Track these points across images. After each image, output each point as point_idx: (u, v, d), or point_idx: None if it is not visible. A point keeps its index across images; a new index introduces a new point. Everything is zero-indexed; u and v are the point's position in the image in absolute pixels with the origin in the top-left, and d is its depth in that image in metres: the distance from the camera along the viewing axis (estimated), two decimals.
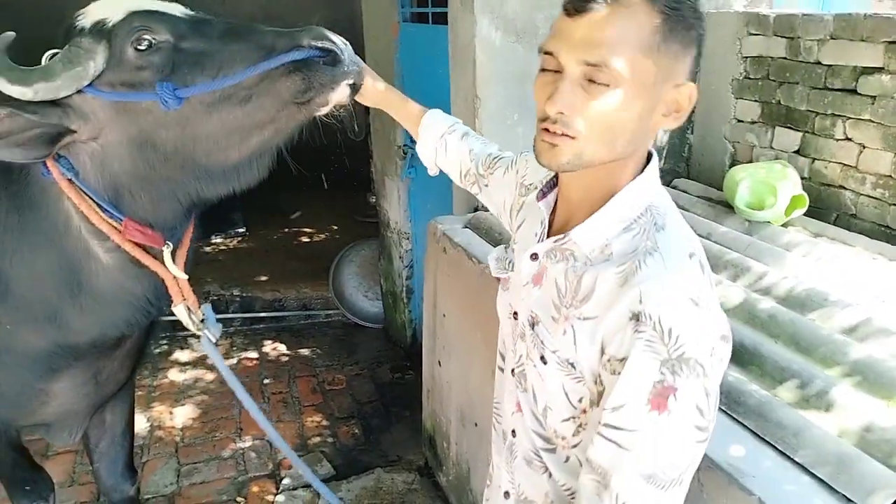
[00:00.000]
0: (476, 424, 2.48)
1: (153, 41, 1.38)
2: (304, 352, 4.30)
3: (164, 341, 4.20)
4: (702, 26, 0.99)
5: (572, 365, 1.04)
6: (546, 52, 0.99)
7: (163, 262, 1.58)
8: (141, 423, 3.44)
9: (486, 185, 1.49)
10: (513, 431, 1.23)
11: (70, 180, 1.46)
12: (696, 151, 3.15)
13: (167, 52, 1.38)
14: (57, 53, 1.38)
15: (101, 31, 1.38)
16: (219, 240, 5.75)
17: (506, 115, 2.73)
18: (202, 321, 1.70)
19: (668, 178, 3.15)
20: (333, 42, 1.38)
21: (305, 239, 5.91)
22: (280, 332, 4.56)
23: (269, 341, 4.42)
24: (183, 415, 3.59)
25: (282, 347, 4.34)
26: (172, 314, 1.70)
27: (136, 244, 1.53)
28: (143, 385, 3.78)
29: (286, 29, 1.43)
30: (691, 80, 1.01)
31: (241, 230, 5.85)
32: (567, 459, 1.13)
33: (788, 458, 1.37)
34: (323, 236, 5.95)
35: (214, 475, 3.14)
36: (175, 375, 3.96)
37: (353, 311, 4.68)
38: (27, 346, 1.67)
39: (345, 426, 3.53)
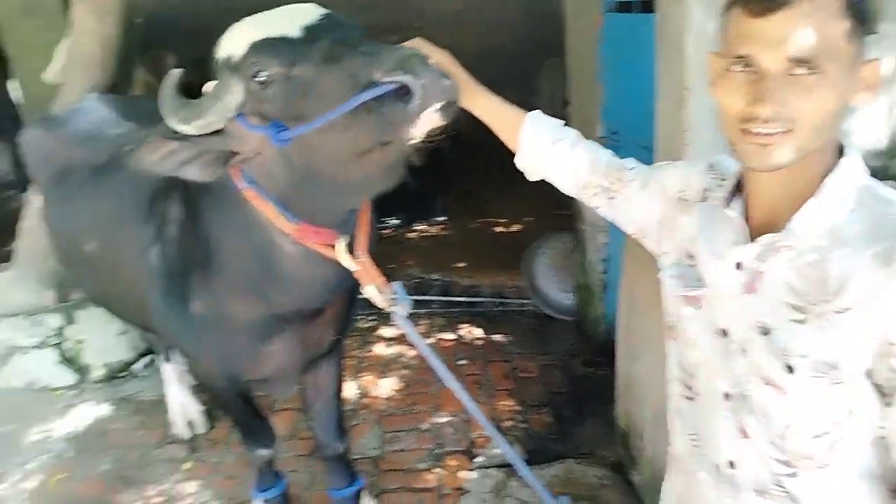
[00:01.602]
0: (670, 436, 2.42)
1: (267, 77, 1.49)
2: (498, 338, 4.44)
3: (373, 317, 4.57)
4: None
5: (830, 366, 0.98)
6: (737, 56, 0.98)
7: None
8: (351, 390, 3.79)
9: (613, 199, 1.39)
10: (730, 463, 1.16)
11: (253, 190, 1.70)
12: None
13: (279, 84, 1.49)
14: (213, 84, 1.58)
15: (231, 66, 1.53)
16: (421, 227, 6.09)
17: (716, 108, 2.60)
18: (392, 299, 1.84)
19: (881, 175, 2.81)
20: (404, 73, 1.31)
21: (501, 229, 6.07)
22: (475, 316, 4.74)
23: (465, 325, 4.62)
24: (387, 386, 3.89)
25: (477, 332, 4.51)
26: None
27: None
28: (354, 355, 4.15)
29: (379, 47, 1.40)
30: None
31: (441, 218, 6.15)
32: (817, 481, 1.06)
33: None
34: (519, 227, 6.07)
35: (414, 445, 3.37)
36: (380, 349, 4.29)
37: (547, 302, 4.73)
38: (241, 316, 1.99)
39: (536, 414, 3.59)
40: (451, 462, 3.23)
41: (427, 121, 1.38)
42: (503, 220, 6.21)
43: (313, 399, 2.57)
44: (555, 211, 6.03)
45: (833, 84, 0.94)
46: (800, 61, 0.93)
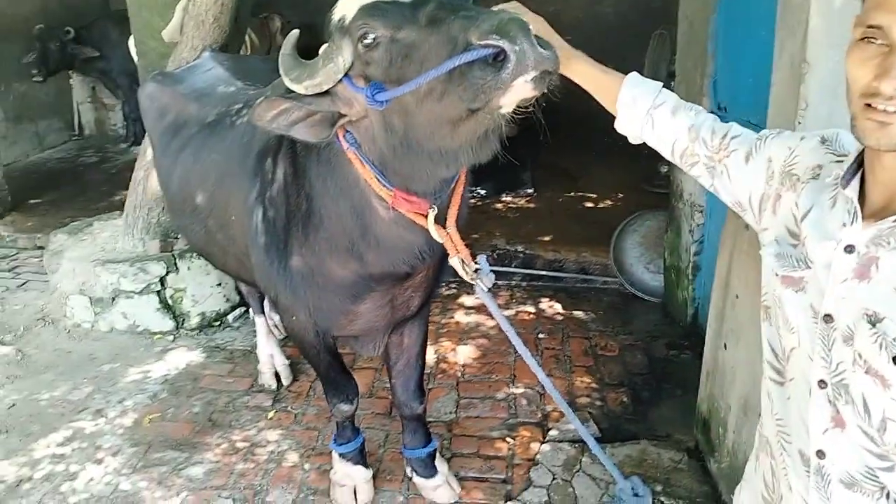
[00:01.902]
0: (760, 416, 2.32)
1: (374, 38, 1.48)
2: (579, 314, 4.38)
3: (454, 285, 4.59)
4: None
5: None
6: (870, 26, 0.94)
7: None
8: (429, 355, 3.82)
9: (714, 168, 1.33)
10: (819, 452, 1.11)
11: (353, 152, 1.72)
12: None
13: (385, 46, 1.48)
14: (324, 47, 1.59)
15: (342, 27, 1.54)
16: (508, 198, 6.04)
17: (837, 84, 2.37)
18: (476, 271, 1.84)
19: None
20: (500, 38, 1.26)
21: (590, 204, 5.94)
22: (557, 291, 4.68)
23: (546, 299, 4.57)
24: (464, 353, 3.92)
25: (558, 306, 4.46)
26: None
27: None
28: (434, 321, 4.19)
29: (482, 11, 1.36)
30: None
31: (529, 190, 6.08)
32: None
33: None
34: (607, 203, 5.92)
35: (488, 413, 3.39)
36: (460, 317, 4.32)
37: (632, 281, 4.61)
38: (335, 273, 2.05)
39: (613, 392, 3.54)
40: (524, 433, 3.24)
41: (520, 90, 1.34)
42: (592, 195, 6.07)
43: (396, 359, 2.62)
44: (648, 188, 5.86)
45: None
46: None
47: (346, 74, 1.59)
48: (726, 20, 3.25)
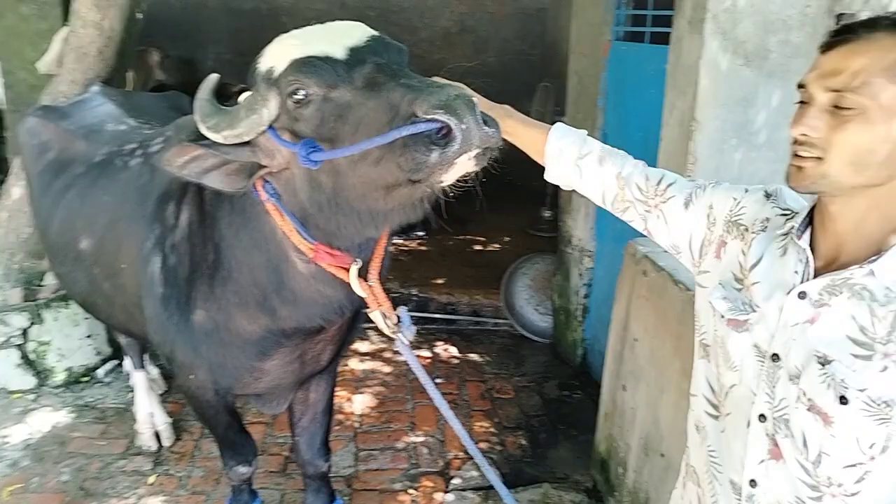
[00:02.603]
0: (662, 455, 2.41)
1: (306, 95, 1.44)
2: (474, 357, 4.39)
3: None
4: None
5: (885, 404, 1.00)
6: (800, 86, 1.06)
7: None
8: None
9: (649, 212, 1.39)
10: (751, 481, 1.18)
11: (274, 204, 1.63)
12: None
13: (317, 105, 1.44)
14: (247, 95, 1.53)
15: (270, 79, 1.49)
16: (400, 241, 6.02)
17: (723, 140, 2.63)
18: (397, 324, 1.79)
19: None
20: (448, 114, 1.24)
21: (479, 247, 6.04)
22: (451, 334, 4.68)
23: (441, 342, 4.55)
24: (361, 402, 3.80)
25: (453, 350, 4.45)
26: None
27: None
28: None
29: (424, 81, 1.35)
30: None
31: (421, 233, 6.10)
32: None
33: None
34: (496, 246, 6.05)
35: (389, 464, 3.28)
36: (355, 364, 4.19)
37: (522, 323, 4.70)
38: (242, 328, 1.92)
39: (512, 436, 3.55)
40: (427, 483, 3.16)
41: (462, 166, 1.34)
42: (481, 239, 6.19)
43: (301, 415, 2.48)
44: (533, 232, 6.06)
45: (871, 124, 0.98)
46: (838, 93, 1.00)
47: (270, 126, 1.52)
48: (616, 78, 3.46)
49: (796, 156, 1.04)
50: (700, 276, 1.32)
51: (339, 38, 1.48)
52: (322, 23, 1.56)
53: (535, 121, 1.57)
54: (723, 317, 1.21)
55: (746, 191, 1.30)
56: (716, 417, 1.25)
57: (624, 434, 2.74)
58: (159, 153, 1.58)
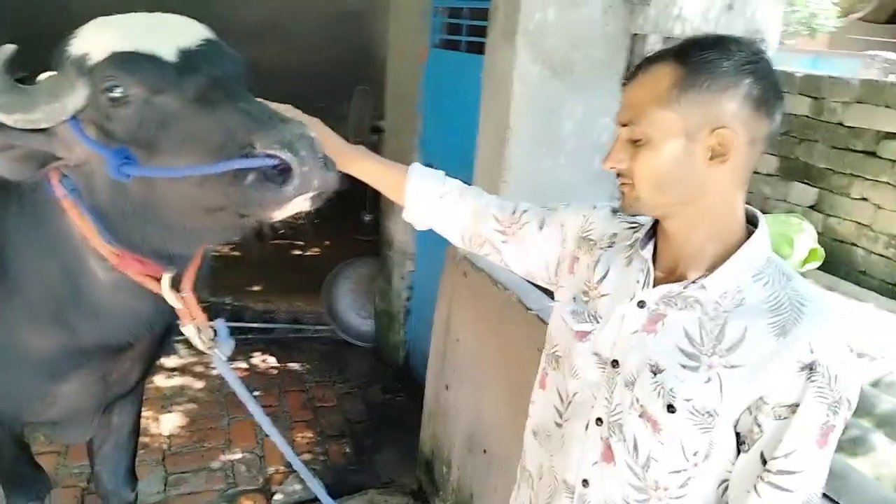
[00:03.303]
0: (485, 451, 2.47)
1: (124, 95, 1.29)
2: (294, 366, 4.24)
3: None
4: (740, 74, 1.04)
5: (709, 413, 1.06)
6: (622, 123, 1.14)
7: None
8: None
9: (506, 242, 1.43)
10: (584, 481, 1.22)
11: (73, 201, 1.43)
12: None
13: (136, 107, 1.30)
14: (50, 75, 1.35)
15: (82, 67, 1.32)
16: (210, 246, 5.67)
17: (535, 148, 2.77)
18: (213, 339, 1.65)
19: None
20: (289, 152, 1.18)
21: (299, 252, 5.87)
22: (269, 343, 4.49)
23: (259, 353, 4.35)
24: (170, 422, 3.50)
25: (271, 360, 4.27)
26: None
27: None
28: None
29: (265, 110, 1.27)
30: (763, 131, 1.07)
31: (233, 238, 5.78)
32: None
33: (833, 501, 1.40)
34: (316, 251, 5.92)
35: (203, 486, 3.06)
36: (161, 381, 3.86)
37: (345, 328, 4.64)
38: (32, 348, 1.66)
39: (336, 444, 3.48)
40: (246, 502, 2.99)
41: (296, 206, 1.26)
42: (300, 243, 6.01)
43: (102, 441, 2.20)
44: (356, 236, 6.00)
45: (657, 150, 1.07)
46: (628, 126, 1.09)
47: (73, 117, 1.32)
48: (434, 84, 3.52)
49: (620, 185, 1.13)
50: (557, 290, 1.37)
51: (169, 35, 1.32)
52: (138, 10, 1.39)
53: (388, 161, 1.55)
54: (571, 329, 1.25)
55: (595, 207, 1.36)
56: (560, 425, 1.29)
57: (448, 433, 2.78)
58: None
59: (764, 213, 3.04)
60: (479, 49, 3.07)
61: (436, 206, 1.46)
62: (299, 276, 5.18)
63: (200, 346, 1.66)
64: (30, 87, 1.32)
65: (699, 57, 1.04)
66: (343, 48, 7.95)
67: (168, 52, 1.30)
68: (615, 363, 1.18)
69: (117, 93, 1.28)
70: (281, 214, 1.28)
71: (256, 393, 3.86)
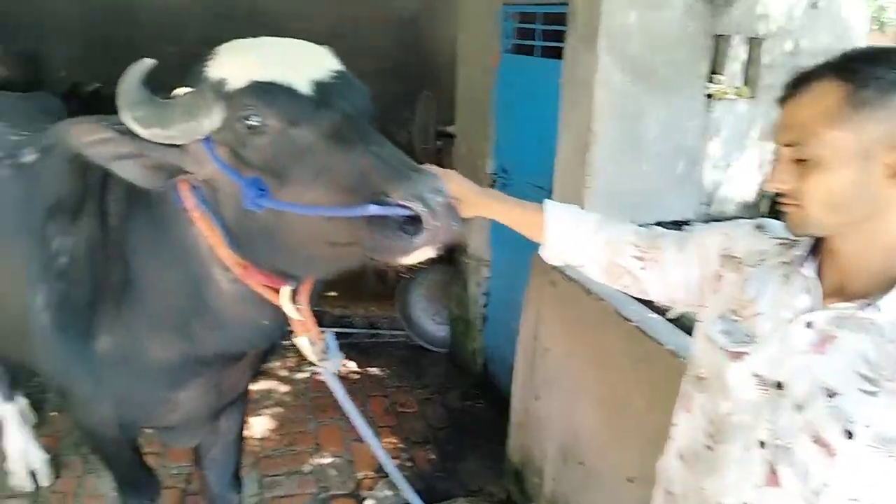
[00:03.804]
0: (582, 463, 2.47)
1: (260, 125, 1.34)
2: (374, 371, 4.32)
3: None
4: None
5: (891, 440, 1.02)
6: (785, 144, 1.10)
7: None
8: None
9: (645, 269, 1.41)
10: None
11: (202, 212, 1.51)
12: None
13: (272, 138, 1.35)
14: (186, 93, 1.40)
15: (220, 91, 1.37)
16: None
17: (618, 153, 2.75)
18: (324, 352, 1.72)
19: None
20: (423, 206, 1.22)
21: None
22: (349, 348, 4.56)
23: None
24: (261, 426, 3.61)
25: (352, 365, 4.35)
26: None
27: None
28: None
29: (398, 156, 1.31)
30: None
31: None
32: None
33: None
34: None
35: (296, 489, 3.15)
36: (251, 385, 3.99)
37: (419, 333, 4.69)
38: (157, 357, 1.75)
39: (421, 451, 3.52)
40: None
41: (422, 254, 1.30)
42: None
43: (210, 445, 2.30)
44: None
45: (830, 170, 1.03)
46: (793, 147, 1.06)
47: (206, 137, 1.39)
48: (507, 89, 3.52)
49: (783, 205, 1.10)
50: (700, 311, 1.35)
51: (304, 65, 1.37)
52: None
53: (521, 201, 1.56)
54: (723, 349, 1.22)
55: (737, 224, 1.34)
56: (710, 447, 1.26)
57: (539, 443, 2.79)
58: (59, 126, 1.41)
59: None
60: (554, 54, 3.06)
61: (574, 241, 1.47)
62: (375, 283, 5.26)
63: (312, 358, 1.73)
64: (166, 102, 1.39)
65: (866, 72, 1.01)
66: (401, 54, 8.01)
67: (304, 84, 1.35)
68: (779, 385, 1.14)
69: (254, 122, 1.34)
70: (406, 261, 1.31)
71: None
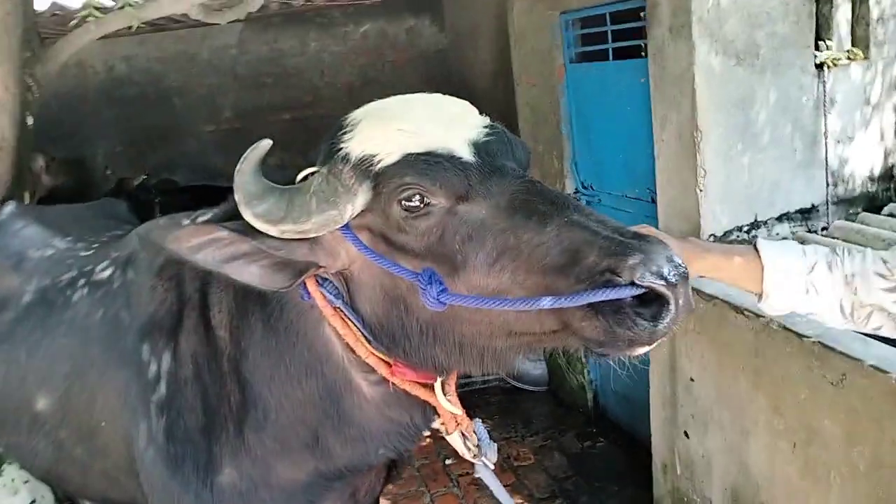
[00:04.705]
0: None
1: (425, 204, 1.10)
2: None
3: None
4: None
5: None
6: None
7: (434, 394, 1.35)
8: None
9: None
10: None
11: (336, 307, 1.26)
12: None
13: (438, 219, 1.11)
14: (313, 175, 1.18)
15: (367, 169, 1.13)
16: None
17: (730, 146, 2.44)
18: (478, 446, 1.47)
19: (880, 202, 2.76)
20: (668, 285, 0.96)
21: None
22: None
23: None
24: None
25: None
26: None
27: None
28: None
29: (612, 226, 1.04)
30: None
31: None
32: None
33: None
34: None
35: None
36: None
37: (514, 374, 4.38)
38: (286, 480, 1.50)
39: None
40: None
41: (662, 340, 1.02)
42: None
43: None
44: None
45: None
46: None
47: (345, 225, 1.16)
48: (577, 102, 3.25)
49: None
50: None
51: (455, 125, 1.14)
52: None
53: (726, 247, 1.34)
54: None
55: None
56: None
57: (698, 487, 2.44)
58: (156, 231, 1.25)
59: None
60: (625, 54, 2.79)
61: (806, 286, 1.21)
62: None
63: (466, 455, 1.48)
64: (293, 190, 1.16)
65: None
66: (434, 89, 7.85)
67: (462, 149, 1.11)
68: None
69: (416, 202, 1.10)
70: (643, 351, 1.04)
71: (449, 461, 3.64)
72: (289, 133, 6.09)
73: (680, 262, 0.99)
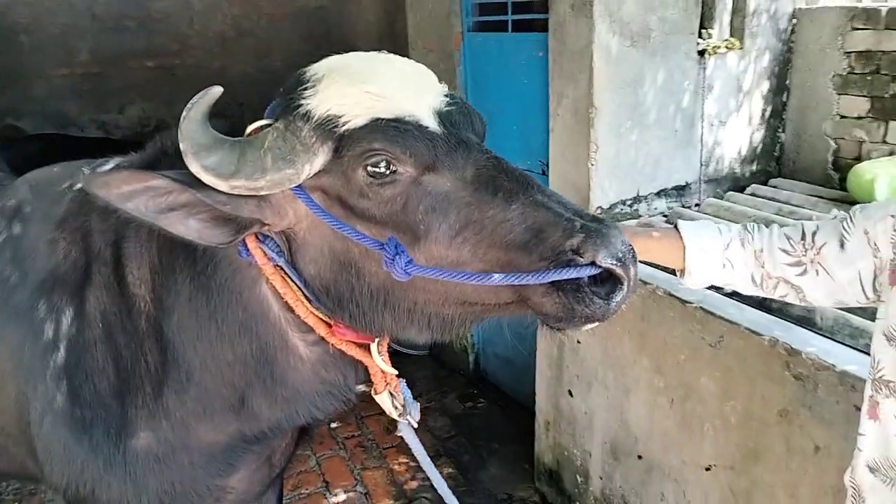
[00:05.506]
0: (640, 457, 2.31)
1: (390, 172, 1.09)
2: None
3: None
4: None
5: None
6: None
7: (369, 354, 1.35)
8: None
9: (804, 274, 1.26)
10: None
11: (277, 266, 1.23)
12: (789, 150, 3.07)
13: (403, 187, 1.11)
14: (265, 128, 1.13)
15: (331, 130, 1.09)
16: None
17: (620, 123, 2.58)
18: (402, 405, 1.49)
19: (761, 178, 3.07)
20: (623, 265, 1.03)
21: None
22: None
23: None
24: None
25: None
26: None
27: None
28: None
29: (574, 210, 1.09)
30: None
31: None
32: None
33: None
34: None
35: None
36: None
37: (397, 338, 4.43)
38: (206, 443, 1.46)
39: (436, 466, 3.27)
40: None
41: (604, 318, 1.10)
42: None
43: None
44: None
45: None
46: None
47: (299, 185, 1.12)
48: (474, 71, 3.28)
49: None
50: (881, 306, 1.19)
51: (421, 92, 1.12)
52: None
53: (646, 228, 1.40)
54: None
55: None
56: (888, 483, 1.16)
57: (580, 441, 2.61)
58: (86, 177, 1.15)
59: (863, 159, 2.86)
60: (523, 27, 2.86)
61: (719, 262, 1.31)
62: None
63: (392, 414, 1.49)
64: (246, 143, 1.10)
65: None
66: (314, 47, 7.61)
67: (428, 118, 1.10)
68: None
69: (382, 168, 1.08)
70: (593, 326, 1.10)
71: (334, 424, 3.65)
72: (153, 83, 5.63)
73: (630, 245, 1.07)
